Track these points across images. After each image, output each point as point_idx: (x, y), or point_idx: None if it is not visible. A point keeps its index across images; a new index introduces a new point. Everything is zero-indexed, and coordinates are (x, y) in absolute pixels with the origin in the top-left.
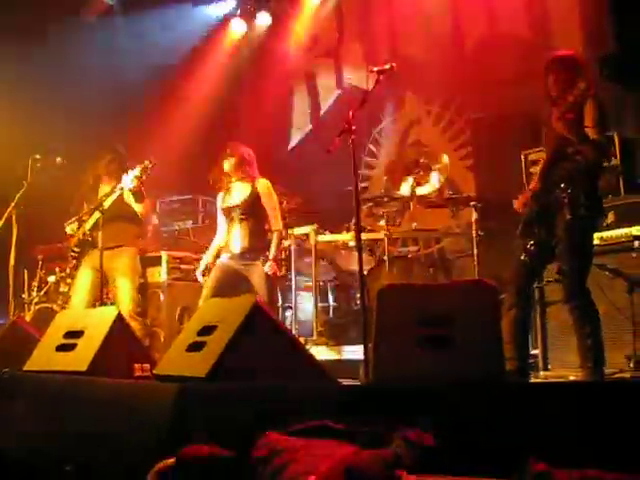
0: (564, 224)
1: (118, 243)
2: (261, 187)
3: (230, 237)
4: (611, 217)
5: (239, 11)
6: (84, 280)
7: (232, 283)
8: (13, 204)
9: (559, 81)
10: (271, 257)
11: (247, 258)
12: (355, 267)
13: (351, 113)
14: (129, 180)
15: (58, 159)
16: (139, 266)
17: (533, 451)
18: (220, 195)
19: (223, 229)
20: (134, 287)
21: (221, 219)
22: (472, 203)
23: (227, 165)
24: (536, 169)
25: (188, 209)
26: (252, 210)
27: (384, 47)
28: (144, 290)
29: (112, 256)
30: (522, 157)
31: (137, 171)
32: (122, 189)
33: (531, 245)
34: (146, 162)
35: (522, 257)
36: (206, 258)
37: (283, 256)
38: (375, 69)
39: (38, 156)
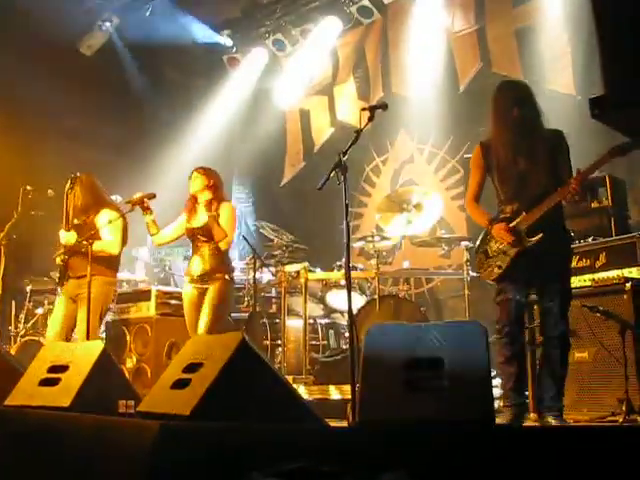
0: (557, 251)
1: (85, 272)
2: (223, 210)
3: (192, 259)
4: (602, 259)
5: (235, 48)
6: (58, 308)
7: (198, 308)
8: (2, 235)
9: (527, 112)
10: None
11: (205, 281)
12: (344, 305)
13: (343, 151)
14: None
15: (50, 191)
16: (104, 296)
17: None
18: (184, 215)
19: (168, 232)
20: (94, 316)
21: (173, 226)
22: (464, 243)
23: (194, 187)
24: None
25: (180, 244)
26: (212, 234)
27: (377, 85)
28: (130, 325)
29: (80, 285)
30: None
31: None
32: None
33: (523, 286)
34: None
35: (518, 298)
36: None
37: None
38: (368, 107)
39: (29, 187)
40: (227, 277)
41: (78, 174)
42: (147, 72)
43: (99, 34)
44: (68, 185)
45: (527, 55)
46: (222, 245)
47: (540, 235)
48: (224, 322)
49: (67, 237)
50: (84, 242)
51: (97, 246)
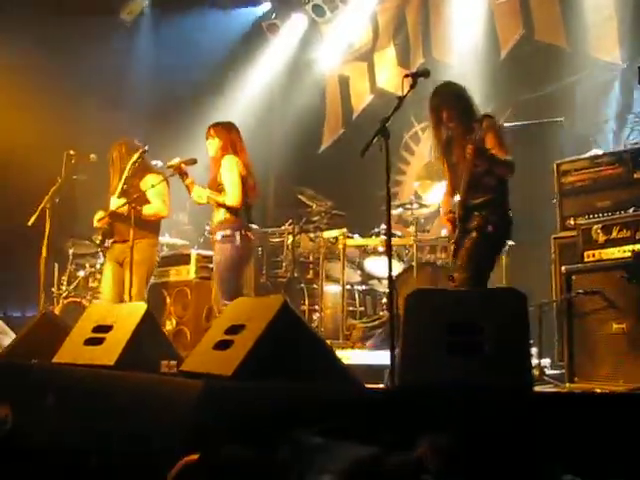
0: (468, 240)
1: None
2: (223, 163)
3: None
4: None
5: (275, 14)
6: (107, 274)
7: None
8: (47, 198)
9: (454, 112)
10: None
11: (215, 237)
12: (382, 272)
13: (386, 117)
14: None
15: (92, 155)
16: (150, 259)
17: (558, 461)
18: None
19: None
20: (138, 279)
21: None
22: None
23: (210, 149)
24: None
25: None
26: (218, 189)
27: (418, 51)
28: (170, 288)
29: (126, 248)
30: (554, 167)
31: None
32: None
33: None
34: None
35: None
36: None
37: None
38: (410, 74)
39: (72, 152)
40: (224, 235)
41: (136, 142)
42: (184, 38)
43: (138, 1)
44: (137, 156)
45: (571, 22)
46: (231, 204)
47: (456, 228)
48: (233, 278)
49: (117, 204)
50: (131, 206)
51: (149, 210)
